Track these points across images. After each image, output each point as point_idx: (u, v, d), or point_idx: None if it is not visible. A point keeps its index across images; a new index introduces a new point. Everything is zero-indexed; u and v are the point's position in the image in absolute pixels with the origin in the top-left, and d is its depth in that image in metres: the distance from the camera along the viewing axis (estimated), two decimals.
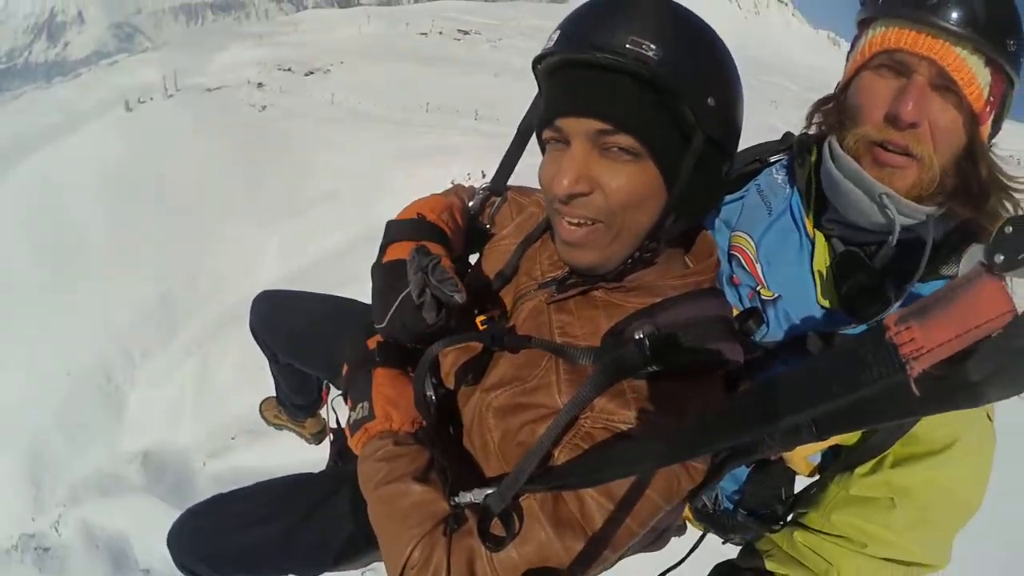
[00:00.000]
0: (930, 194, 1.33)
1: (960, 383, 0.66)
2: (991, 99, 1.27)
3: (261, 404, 3.28)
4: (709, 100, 1.13)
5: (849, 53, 1.49)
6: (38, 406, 14.86)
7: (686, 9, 1.18)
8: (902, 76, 1.30)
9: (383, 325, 1.46)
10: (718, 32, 1.21)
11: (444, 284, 1.36)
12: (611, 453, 1.09)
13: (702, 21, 1.20)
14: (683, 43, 1.14)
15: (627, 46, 1.09)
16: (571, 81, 1.18)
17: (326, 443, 2.60)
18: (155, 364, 16.57)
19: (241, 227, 21.45)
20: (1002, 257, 0.64)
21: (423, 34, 55.46)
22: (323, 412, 3.01)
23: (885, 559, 1.41)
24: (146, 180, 24.35)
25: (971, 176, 1.31)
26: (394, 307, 1.43)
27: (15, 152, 28.38)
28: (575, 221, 1.22)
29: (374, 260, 1.59)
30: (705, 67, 1.16)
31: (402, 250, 1.51)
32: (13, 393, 15.14)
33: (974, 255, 0.68)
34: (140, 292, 18.28)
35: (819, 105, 1.57)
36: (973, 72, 1.24)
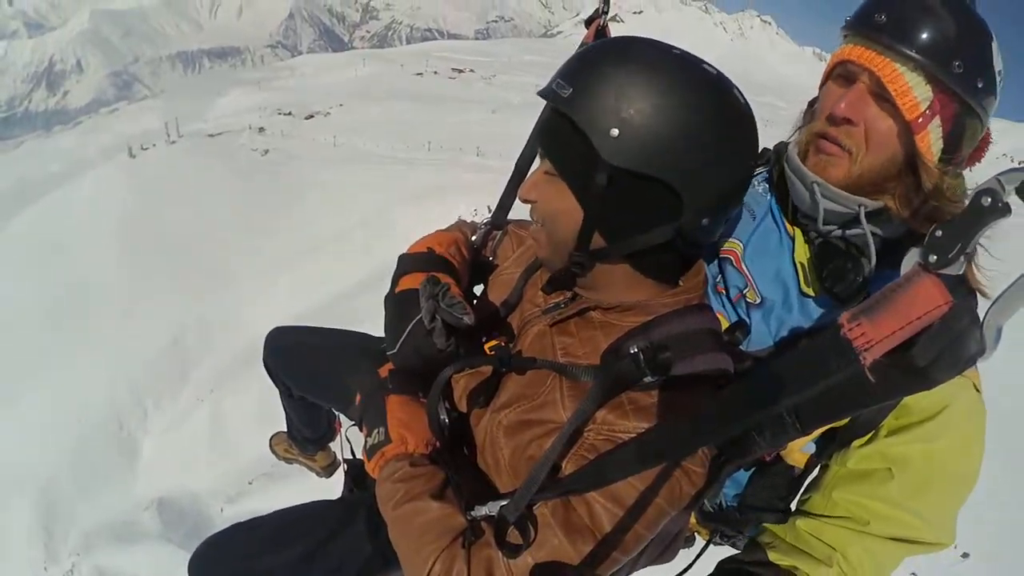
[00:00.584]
0: (861, 187, 1.43)
1: (910, 368, 0.74)
2: (928, 113, 1.35)
3: (271, 439, 3.26)
4: (612, 131, 1.20)
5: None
6: (50, 455, 15.02)
7: (643, 52, 1.27)
8: (850, 83, 1.42)
9: (395, 351, 1.51)
10: (708, 57, 1.32)
11: (454, 308, 1.43)
12: (614, 457, 1.14)
13: (657, 64, 1.25)
14: (597, 83, 1.23)
15: (553, 87, 1.26)
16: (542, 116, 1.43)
17: (337, 475, 2.66)
18: (168, 410, 16.87)
19: (250, 270, 22.09)
20: (935, 257, 0.73)
21: (419, 74, 55.97)
22: (333, 445, 3.00)
23: (890, 538, 1.44)
24: (151, 225, 24.56)
25: (911, 185, 1.41)
26: (406, 333, 1.49)
27: (19, 199, 28.40)
28: (532, 222, 1.40)
29: (386, 292, 1.66)
30: (613, 104, 1.21)
31: (413, 281, 1.58)
32: (25, 443, 15.43)
33: (912, 256, 0.77)
34: (151, 338, 18.51)
35: (809, 105, 1.68)
36: (909, 85, 1.33)
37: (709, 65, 1.27)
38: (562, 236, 1.32)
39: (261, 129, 31.91)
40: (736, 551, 1.80)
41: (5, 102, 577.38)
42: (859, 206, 1.42)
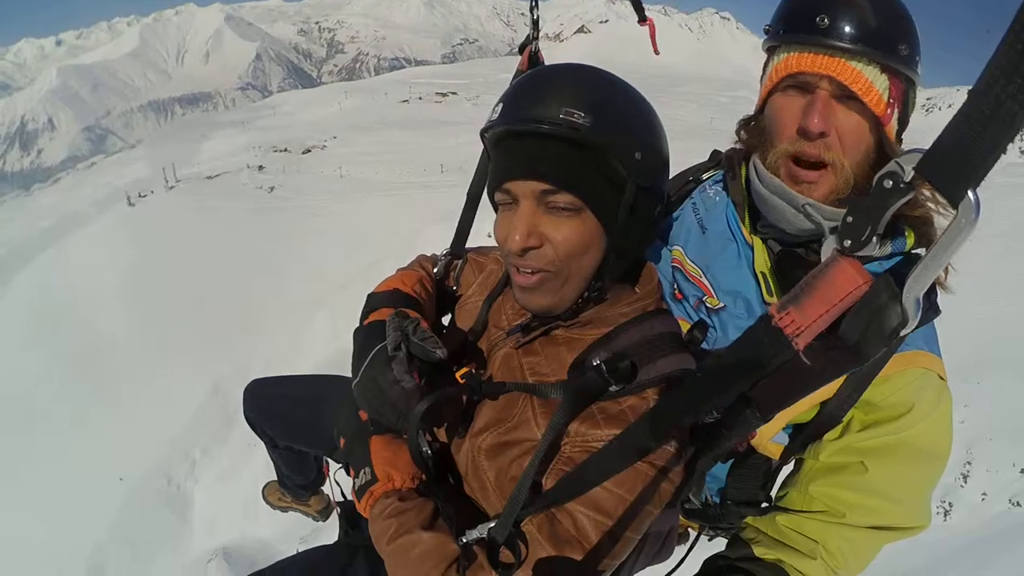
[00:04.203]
0: (849, 194, 1.43)
1: (843, 347, 0.81)
2: (891, 101, 1.39)
3: (264, 489, 3.31)
4: (636, 154, 1.29)
5: (761, 78, 1.61)
6: (93, 524, 14.40)
7: (608, 76, 1.39)
8: (807, 93, 1.43)
9: (356, 380, 1.50)
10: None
11: (426, 343, 1.44)
12: (589, 465, 1.20)
13: (623, 84, 1.38)
14: (608, 108, 1.29)
15: (560, 116, 1.24)
16: (516, 149, 1.33)
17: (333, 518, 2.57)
18: (218, 458, 16.28)
19: (279, 311, 21.62)
20: (848, 241, 0.79)
21: (404, 101, 56.38)
22: (326, 488, 3.05)
23: (867, 527, 1.46)
24: (163, 273, 24.13)
25: None
26: (367, 360, 1.47)
27: (13, 260, 28.07)
28: (528, 270, 1.35)
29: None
30: (630, 126, 1.32)
31: (381, 316, 1.60)
32: (62, 516, 14.72)
33: (830, 243, 0.83)
34: (188, 388, 17.98)
35: (742, 125, 1.71)
36: (870, 81, 1.37)
37: None
38: (584, 270, 1.35)
39: (261, 167, 31.82)
40: (719, 540, 1.88)
41: None
42: None
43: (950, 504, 8.33)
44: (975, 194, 0.65)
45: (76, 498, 15.06)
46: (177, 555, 13.55)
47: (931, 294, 1.37)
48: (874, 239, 0.78)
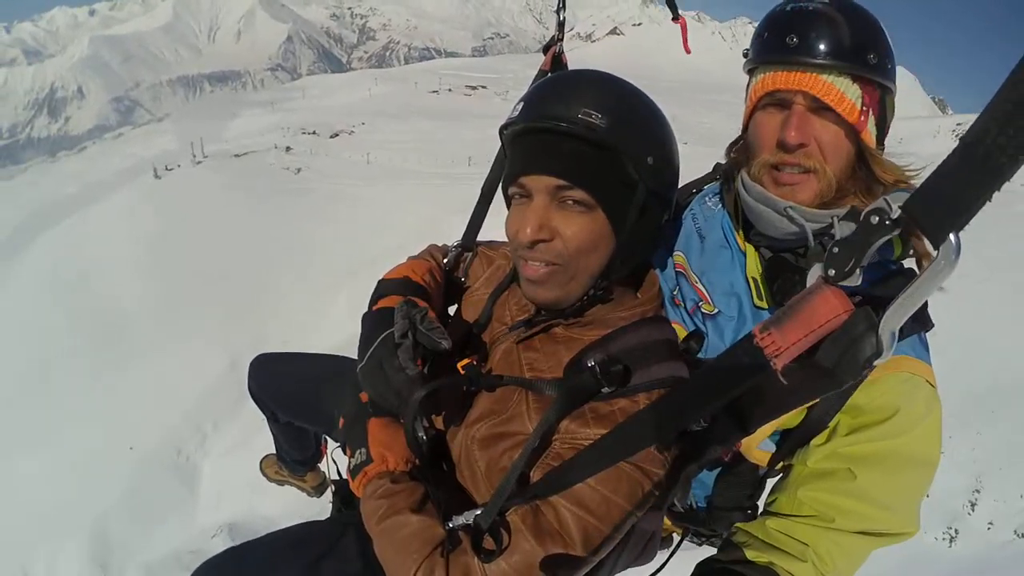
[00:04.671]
0: (833, 198, 1.50)
1: (819, 371, 0.83)
2: (864, 108, 1.45)
3: (262, 462, 3.33)
4: (648, 159, 1.34)
5: (745, 100, 1.67)
6: (100, 489, 14.63)
7: (627, 85, 1.44)
8: (785, 109, 1.49)
9: (362, 364, 1.55)
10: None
11: (432, 333, 1.49)
12: (574, 461, 1.25)
13: (640, 93, 1.45)
14: (625, 112, 1.35)
15: (579, 116, 1.30)
16: (534, 145, 1.38)
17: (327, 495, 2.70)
18: (229, 433, 16.49)
19: (302, 288, 21.97)
20: (833, 271, 0.82)
21: (434, 92, 56.38)
22: (322, 465, 3.09)
23: (856, 532, 1.47)
24: (185, 246, 24.39)
25: (868, 176, 1.52)
26: (374, 345, 1.52)
27: (36, 223, 28.24)
28: (537, 263, 1.39)
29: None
30: (644, 132, 1.37)
31: (391, 303, 1.63)
32: (70, 479, 14.94)
33: (815, 271, 0.85)
34: (204, 362, 18.25)
35: (731, 147, 1.80)
36: (841, 92, 1.43)
37: None
38: (591, 267, 1.39)
39: (288, 148, 31.96)
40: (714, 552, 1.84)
41: (7, 129, 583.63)
42: (832, 217, 1.49)
43: (956, 531, 8.31)
44: (957, 237, 0.67)
45: (86, 464, 15.19)
46: (183, 526, 13.63)
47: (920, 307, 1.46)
48: (857, 271, 0.81)
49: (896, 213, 0.75)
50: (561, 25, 2.13)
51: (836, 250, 0.82)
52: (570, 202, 1.34)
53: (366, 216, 24.29)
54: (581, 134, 1.30)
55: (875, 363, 0.80)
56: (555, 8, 2.20)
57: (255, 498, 13.76)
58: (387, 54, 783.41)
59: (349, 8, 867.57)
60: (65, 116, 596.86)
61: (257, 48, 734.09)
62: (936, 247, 0.69)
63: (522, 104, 1.43)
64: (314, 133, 32.08)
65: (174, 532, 13.44)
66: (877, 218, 0.78)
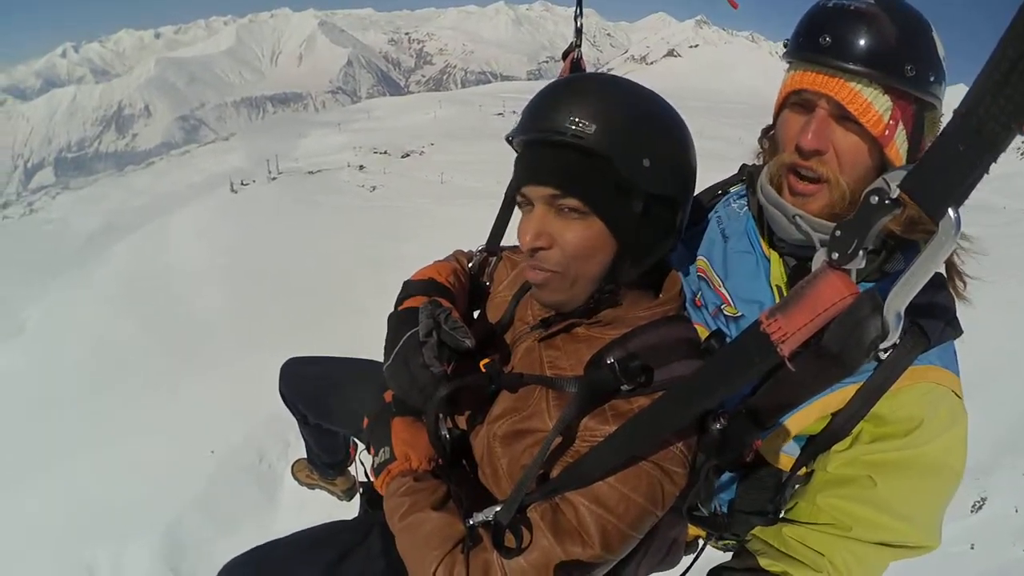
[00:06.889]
0: (847, 210, 1.40)
1: (827, 356, 0.83)
2: (892, 122, 1.37)
3: (293, 466, 3.41)
4: (644, 161, 1.32)
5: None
6: (177, 493, 14.45)
7: (627, 87, 1.42)
8: (808, 111, 1.44)
9: (388, 363, 1.55)
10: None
11: (456, 332, 1.50)
12: (591, 456, 1.26)
13: (645, 95, 1.42)
14: (616, 116, 1.33)
15: (566, 125, 1.30)
16: (529, 156, 1.41)
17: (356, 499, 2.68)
18: None
19: (381, 303, 21.86)
20: (836, 254, 0.82)
21: (499, 114, 57.28)
22: (352, 469, 3.16)
23: (874, 543, 1.43)
24: (262, 258, 24.84)
25: None
26: (400, 344, 1.53)
27: (111, 232, 29.19)
28: (537, 268, 1.41)
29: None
30: (638, 135, 1.34)
31: (416, 303, 1.64)
32: (146, 482, 14.79)
33: (820, 255, 0.85)
34: None
35: (764, 133, 1.73)
36: (869, 101, 1.35)
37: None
38: (591, 272, 1.40)
39: (361, 167, 32.51)
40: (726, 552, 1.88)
41: (76, 143, 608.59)
42: None
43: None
44: (956, 212, 0.68)
45: (163, 466, 15.29)
46: (259, 534, 13.47)
47: (948, 313, 1.42)
48: (860, 252, 0.81)
49: (895, 192, 0.75)
50: (579, 31, 2.17)
51: (838, 233, 0.82)
52: (566, 209, 1.35)
53: (443, 235, 24.43)
54: (570, 143, 1.31)
55: (881, 346, 0.81)
56: (574, 14, 2.20)
57: (336, 509, 13.59)
58: (444, 78, 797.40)
59: (407, 34, 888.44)
60: (132, 133, 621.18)
61: (318, 71, 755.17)
62: (936, 223, 0.69)
63: (520, 116, 1.47)
64: (385, 153, 32.71)
65: (250, 539, 13.31)
66: (877, 198, 0.78)
